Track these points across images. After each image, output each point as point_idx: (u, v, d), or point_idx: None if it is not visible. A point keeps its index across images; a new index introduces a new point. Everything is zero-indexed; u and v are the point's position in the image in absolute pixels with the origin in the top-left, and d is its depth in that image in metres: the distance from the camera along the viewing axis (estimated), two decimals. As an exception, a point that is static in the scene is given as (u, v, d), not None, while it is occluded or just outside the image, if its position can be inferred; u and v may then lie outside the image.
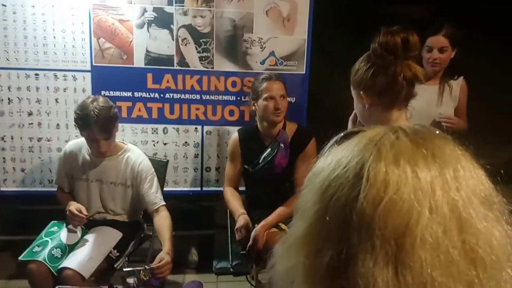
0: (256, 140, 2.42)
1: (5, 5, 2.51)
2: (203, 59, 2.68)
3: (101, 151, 2.19)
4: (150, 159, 2.42)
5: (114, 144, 2.26)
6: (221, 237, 2.86)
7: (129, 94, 2.68)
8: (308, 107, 2.83)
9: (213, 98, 2.72)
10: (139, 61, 2.65)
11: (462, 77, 2.51)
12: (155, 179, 2.30)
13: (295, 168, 2.32)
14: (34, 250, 2.10)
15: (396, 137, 0.48)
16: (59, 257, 2.09)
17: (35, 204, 2.86)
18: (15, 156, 2.66)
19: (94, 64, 2.63)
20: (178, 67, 2.67)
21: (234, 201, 2.38)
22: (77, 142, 2.33)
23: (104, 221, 2.32)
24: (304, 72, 2.76)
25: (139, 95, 2.69)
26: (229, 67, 2.70)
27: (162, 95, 2.70)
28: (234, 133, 2.53)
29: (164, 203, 2.27)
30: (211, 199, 3.01)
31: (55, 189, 2.43)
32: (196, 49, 2.66)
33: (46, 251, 2.08)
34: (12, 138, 2.64)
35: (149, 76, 2.67)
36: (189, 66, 2.68)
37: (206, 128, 2.77)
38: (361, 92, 1.42)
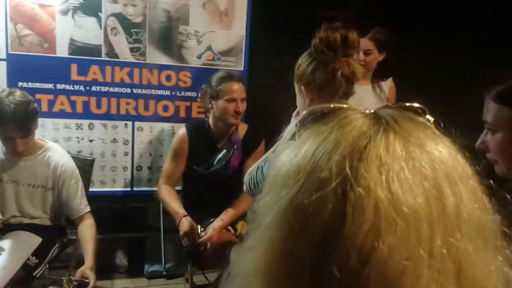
0: (206, 139, 2.28)
1: None
2: (135, 50, 2.51)
3: (18, 151, 1.97)
4: (74, 157, 2.22)
5: (33, 142, 2.04)
6: (153, 239, 2.73)
7: (51, 86, 2.44)
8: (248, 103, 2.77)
9: (145, 92, 2.56)
10: (62, 50, 2.42)
11: (390, 78, 2.62)
12: (80, 183, 2.12)
13: (244, 168, 2.25)
14: None
15: (388, 137, 0.39)
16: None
17: None
18: None
19: (10, 52, 2.36)
20: (107, 58, 2.48)
21: (173, 201, 2.24)
22: None
23: (20, 225, 2.08)
24: (242, 69, 2.69)
25: (62, 87, 2.46)
26: (163, 60, 2.56)
27: (88, 88, 2.50)
28: (181, 128, 2.35)
29: (88, 209, 2.11)
30: (141, 199, 2.84)
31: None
32: (127, 39, 2.49)
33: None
34: None
35: (73, 66, 2.46)
36: (118, 58, 2.50)
37: (137, 124, 2.60)
38: (302, 87, 1.40)
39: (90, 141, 2.56)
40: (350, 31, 1.35)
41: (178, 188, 2.43)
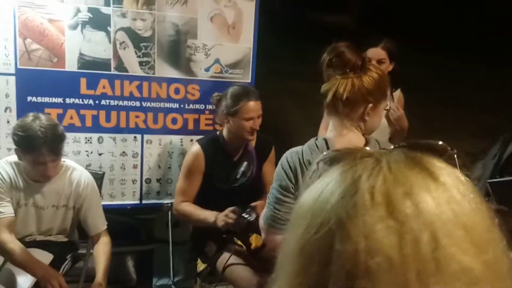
0: (222, 154, 2.26)
1: None
2: (144, 64, 2.53)
3: (49, 175, 1.95)
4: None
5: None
6: (162, 252, 2.72)
7: (60, 100, 2.45)
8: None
9: (154, 106, 2.57)
10: (71, 65, 2.43)
11: (399, 89, 2.64)
12: (99, 199, 2.16)
13: (262, 175, 2.32)
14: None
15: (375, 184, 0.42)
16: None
17: None
18: None
19: (19, 66, 2.37)
20: (116, 72, 2.50)
21: (199, 209, 2.19)
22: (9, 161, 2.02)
23: (34, 243, 2.07)
24: (249, 81, 2.71)
25: (71, 102, 2.47)
26: (172, 73, 2.58)
27: (97, 102, 2.51)
28: (193, 145, 2.27)
29: (106, 226, 2.13)
30: (150, 211, 2.84)
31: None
32: (136, 53, 2.50)
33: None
34: None
35: (83, 81, 2.47)
36: (127, 71, 2.51)
37: (146, 137, 2.61)
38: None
39: (100, 154, 2.56)
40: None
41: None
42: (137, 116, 2.56)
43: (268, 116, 2.63)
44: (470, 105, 6.20)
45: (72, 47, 2.41)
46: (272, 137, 2.48)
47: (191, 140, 2.65)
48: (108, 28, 2.44)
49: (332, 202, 0.42)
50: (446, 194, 0.42)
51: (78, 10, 2.39)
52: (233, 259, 2.07)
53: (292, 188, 1.51)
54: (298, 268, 0.42)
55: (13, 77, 2.37)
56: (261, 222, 1.60)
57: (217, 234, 2.17)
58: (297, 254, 0.43)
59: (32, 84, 2.40)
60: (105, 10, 2.42)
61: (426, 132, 6.61)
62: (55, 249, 2.09)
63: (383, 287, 0.37)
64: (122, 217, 2.80)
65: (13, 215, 1.96)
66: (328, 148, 1.48)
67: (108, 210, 2.49)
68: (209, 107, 2.65)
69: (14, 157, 1.99)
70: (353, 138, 1.50)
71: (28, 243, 2.05)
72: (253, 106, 2.10)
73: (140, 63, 2.52)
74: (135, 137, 2.59)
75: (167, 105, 2.59)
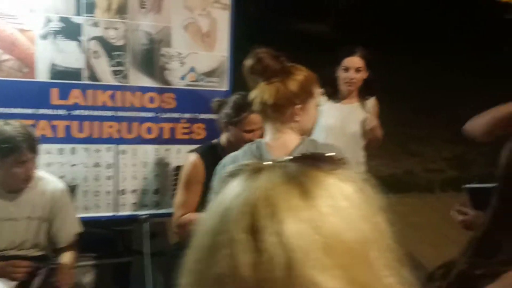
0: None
1: None
2: (117, 73, 2.49)
3: (29, 175, 1.95)
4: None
5: None
6: (139, 264, 2.67)
7: (31, 111, 2.40)
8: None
9: (128, 115, 2.54)
10: (42, 75, 2.39)
11: (374, 97, 2.67)
12: (73, 211, 2.14)
13: None
14: None
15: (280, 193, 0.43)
16: None
17: None
18: None
19: (-13, 77, 2.31)
20: (88, 82, 2.46)
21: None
22: None
23: (4, 258, 2.01)
24: (226, 89, 2.70)
25: (42, 112, 2.42)
26: (146, 82, 2.55)
27: (69, 112, 2.46)
28: (190, 155, 2.16)
29: (76, 238, 2.11)
30: (126, 223, 2.79)
31: None
32: (109, 62, 2.47)
33: None
34: None
35: (54, 91, 2.42)
36: (100, 81, 2.48)
37: (120, 147, 2.57)
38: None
39: (72, 166, 2.51)
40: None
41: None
42: (110, 126, 2.52)
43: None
44: (446, 111, 6.31)
45: (43, 57, 2.37)
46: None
47: (167, 149, 2.63)
48: (80, 37, 2.41)
49: (211, 223, 0.43)
50: (315, 213, 0.41)
51: (49, 20, 2.35)
52: None
53: None
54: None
55: (-18, 88, 2.32)
56: None
57: None
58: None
59: (2, 95, 2.34)
60: (76, 19, 2.39)
61: (403, 138, 6.70)
62: (29, 263, 2.02)
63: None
64: (97, 229, 2.74)
65: None
66: (260, 152, 1.49)
67: (83, 223, 2.44)
68: (185, 115, 2.63)
69: None
70: (287, 140, 1.50)
71: (1, 258, 1.99)
72: (255, 118, 1.99)
73: (113, 72, 2.49)
74: (109, 147, 2.55)
75: (142, 114, 2.56)
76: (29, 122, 2.38)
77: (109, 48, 2.47)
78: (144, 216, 2.59)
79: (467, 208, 1.25)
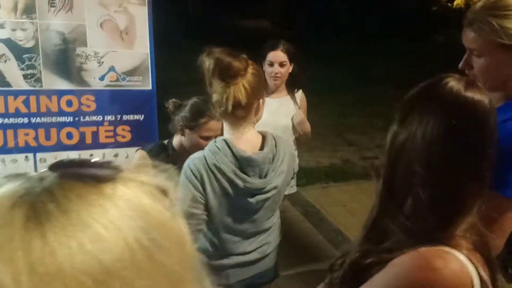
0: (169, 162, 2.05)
1: None
2: (29, 77, 2.34)
3: None
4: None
5: None
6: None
7: None
8: (159, 124, 2.69)
9: (44, 121, 2.39)
10: None
11: (301, 90, 2.69)
12: None
13: None
14: None
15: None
16: None
17: None
18: None
19: None
20: (-3, 88, 2.29)
21: None
22: None
23: None
24: (150, 88, 2.61)
25: None
26: (62, 84, 2.41)
27: (-21, 122, 2.28)
28: (136, 152, 2.08)
29: None
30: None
31: None
32: (19, 66, 2.31)
33: None
34: None
35: (-41, 100, 2.23)
36: (11, 86, 2.31)
37: (39, 155, 2.41)
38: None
39: (-15, 179, 2.32)
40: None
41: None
42: (26, 134, 2.36)
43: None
44: (380, 102, 6.57)
45: None
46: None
47: (91, 155, 2.50)
48: (-16, 40, 2.24)
49: None
50: (47, 248, 0.32)
51: None
52: None
53: (201, 197, 1.47)
54: None
55: None
56: None
57: None
58: None
59: None
60: (-22, 21, 2.21)
61: (342, 129, 6.88)
62: None
63: None
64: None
65: None
66: (230, 149, 1.47)
67: None
68: (108, 118, 2.52)
69: None
70: (251, 137, 1.54)
71: None
72: (214, 125, 1.92)
73: (25, 76, 2.33)
74: (26, 156, 2.39)
75: (60, 119, 2.42)
76: None
77: (18, 51, 2.31)
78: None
79: None
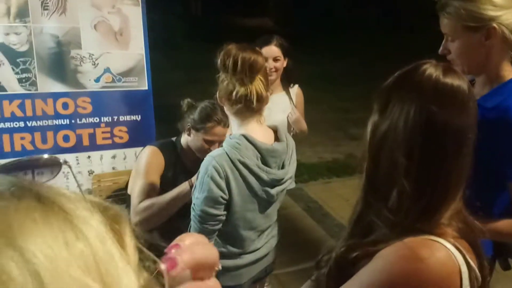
0: (179, 160, 2.05)
1: None
2: (24, 80, 2.34)
3: None
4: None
5: None
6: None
7: None
8: (157, 124, 2.68)
9: (41, 124, 2.39)
10: None
11: (297, 85, 2.67)
12: None
13: None
14: None
15: None
16: None
17: None
18: None
19: None
20: (-8, 92, 2.29)
21: (164, 194, 1.90)
22: None
23: None
24: (146, 88, 2.61)
25: None
26: (57, 87, 2.41)
27: (-24, 127, 2.28)
28: (147, 147, 2.03)
29: None
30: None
31: None
32: (14, 70, 2.31)
33: None
34: None
35: (-45, 106, 2.23)
36: (6, 90, 2.31)
37: (36, 159, 2.41)
38: None
39: (-16, 184, 2.33)
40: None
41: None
42: (22, 138, 2.36)
43: (171, 122, 2.54)
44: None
45: None
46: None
47: (88, 157, 2.50)
48: (-22, 45, 2.24)
49: None
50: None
51: None
52: None
53: (222, 198, 1.45)
54: None
55: None
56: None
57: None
58: None
59: None
60: (-29, 26, 2.21)
61: (344, 123, 6.83)
62: None
63: None
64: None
65: None
66: (250, 143, 1.46)
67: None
68: (105, 119, 2.51)
69: None
70: (264, 129, 1.55)
71: None
72: (219, 130, 1.93)
73: (20, 80, 2.33)
74: (24, 160, 2.39)
75: (56, 122, 2.42)
76: None
77: (12, 55, 2.30)
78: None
79: None
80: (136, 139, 2.52)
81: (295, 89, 2.65)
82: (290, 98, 2.60)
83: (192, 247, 0.39)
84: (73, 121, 2.45)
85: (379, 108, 0.83)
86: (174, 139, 2.11)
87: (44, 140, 2.39)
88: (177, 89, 2.96)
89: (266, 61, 2.46)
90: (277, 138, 1.59)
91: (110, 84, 2.51)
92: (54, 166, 0.37)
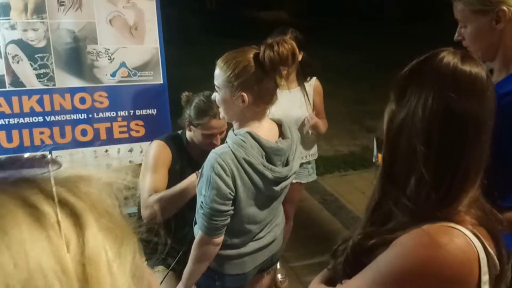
0: (185, 153, 2.05)
1: None
2: (42, 76, 2.37)
3: None
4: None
5: None
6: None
7: (-48, 124, 2.26)
8: (172, 118, 2.70)
9: (59, 119, 2.42)
10: (-40, 85, 2.24)
11: (314, 78, 2.63)
12: None
13: None
14: None
15: None
16: None
17: None
18: None
19: None
20: (12, 88, 2.33)
21: (170, 188, 1.90)
22: None
23: None
24: (161, 82, 2.62)
25: (-35, 125, 2.28)
26: (74, 82, 2.44)
27: (-5, 122, 2.33)
28: (154, 141, 2.04)
29: None
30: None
31: None
32: (32, 66, 2.35)
33: None
34: None
35: (-24, 101, 2.28)
36: (25, 86, 2.35)
37: (54, 153, 2.45)
38: (242, 92, 1.47)
39: (5, 178, 2.38)
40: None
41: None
42: (41, 132, 2.40)
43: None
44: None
45: (-42, 66, 2.23)
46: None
47: (106, 150, 2.53)
48: (-3, 42, 2.28)
49: None
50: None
51: (-40, 26, 2.21)
52: None
53: (230, 193, 1.45)
54: None
55: None
56: (196, 230, 1.57)
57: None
58: None
59: None
60: (-10, 23, 2.25)
61: (360, 115, 6.77)
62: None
63: None
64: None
65: None
66: (255, 140, 1.45)
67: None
68: (121, 113, 2.54)
69: None
70: (269, 125, 1.54)
71: None
72: (216, 123, 1.91)
73: (38, 76, 2.37)
74: (43, 154, 2.43)
75: (74, 116, 2.45)
76: (-49, 137, 2.25)
77: (30, 51, 2.34)
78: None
79: None
80: (152, 133, 2.53)
81: (312, 82, 2.62)
82: (306, 94, 2.57)
83: None
84: (90, 115, 2.48)
85: (396, 96, 0.81)
86: (180, 132, 2.12)
87: (62, 135, 2.43)
88: (193, 83, 2.97)
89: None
90: (281, 133, 1.56)
91: (126, 79, 2.53)
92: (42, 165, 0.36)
